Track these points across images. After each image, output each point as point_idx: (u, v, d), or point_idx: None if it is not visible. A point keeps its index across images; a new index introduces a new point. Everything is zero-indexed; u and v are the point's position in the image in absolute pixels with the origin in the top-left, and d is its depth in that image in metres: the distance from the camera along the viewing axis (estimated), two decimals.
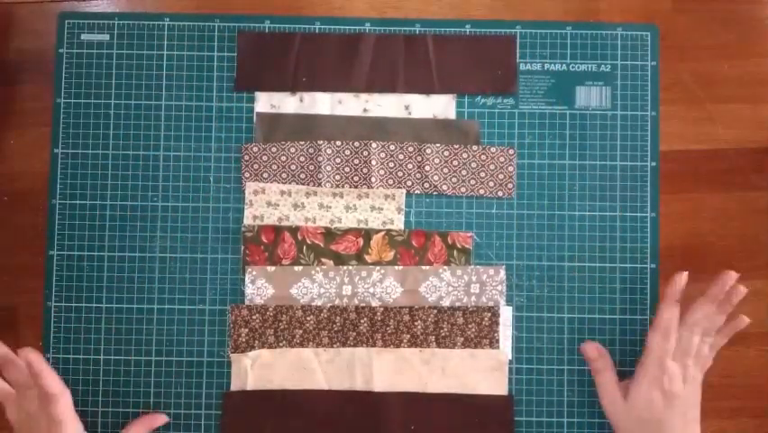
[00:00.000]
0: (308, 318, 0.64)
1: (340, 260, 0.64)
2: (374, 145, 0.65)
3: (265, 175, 0.65)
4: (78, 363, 0.64)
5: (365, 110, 0.65)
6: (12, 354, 0.58)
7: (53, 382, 0.56)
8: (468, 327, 0.64)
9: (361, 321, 0.64)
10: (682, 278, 0.60)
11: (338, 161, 0.65)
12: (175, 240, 0.64)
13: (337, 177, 0.65)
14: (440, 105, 0.66)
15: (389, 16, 0.66)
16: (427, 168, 0.65)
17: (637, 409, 0.58)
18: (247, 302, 0.64)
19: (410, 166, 0.65)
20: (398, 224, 0.65)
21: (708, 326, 0.60)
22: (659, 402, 0.58)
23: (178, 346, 0.64)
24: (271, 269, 0.64)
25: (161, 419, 0.62)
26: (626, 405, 0.59)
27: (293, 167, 0.65)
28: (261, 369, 0.63)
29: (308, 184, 0.65)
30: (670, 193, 0.65)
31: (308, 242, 0.64)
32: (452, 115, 0.66)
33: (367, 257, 0.64)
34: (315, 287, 0.64)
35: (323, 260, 0.64)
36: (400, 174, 0.65)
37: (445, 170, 0.65)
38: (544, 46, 0.66)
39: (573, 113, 0.65)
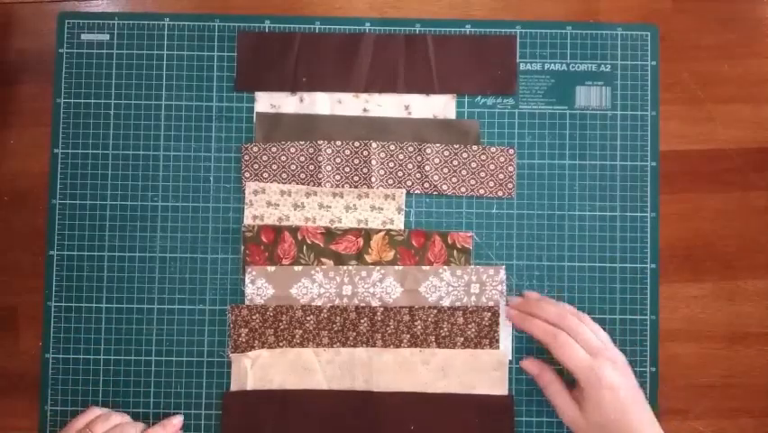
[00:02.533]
0: (308, 318, 0.64)
1: (340, 260, 0.64)
2: (374, 145, 0.65)
3: (265, 175, 0.65)
4: (78, 363, 0.64)
5: (365, 110, 0.65)
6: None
7: None
8: (468, 327, 0.64)
9: (361, 321, 0.64)
10: (512, 300, 0.62)
11: (338, 160, 0.65)
12: (175, 240, 0.64)
13: (337, 177, 0.65)
14: (440, 105, 0.66)
15: (389, 16, 0.66)
16: (427, 168, 0.65)
17: (593, 416, 0.56)
18: (247, 302, 0.64)
19: (410, 166, 0.65)
20: (398, 224, 0.65)
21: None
22: (610, 403, 0.56)
23: (178, 346, 0.64)
24: (271, 269, 0.64)
25: (178, 422, 0.62)
26: (583, 415, 0.57)
27: (293, 167, 0.65)
28: (261, 369, 0.63)
29: (308, 184, 0.65)
30: (670, 193, 0.65)
31: (308, 242, 0.64)
32: (452, 114, 0.66)
33: (367, 257, 0.64)
34: (315, 287, 0.64)
35: (323, 260, 0.64)
36: (400, 174, 0.65)
37: (445, 170, 0.65)
38: (543, 46, 0.66)
39: (573, 113, 0.65)
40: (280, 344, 0.63)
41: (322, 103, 0.65)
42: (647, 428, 0.56)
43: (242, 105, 0.65)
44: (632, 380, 0.58)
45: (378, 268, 0.64)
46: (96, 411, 0.60)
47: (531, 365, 0.61)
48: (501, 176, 0.65)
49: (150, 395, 0.63)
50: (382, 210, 0.65)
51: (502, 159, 0.65)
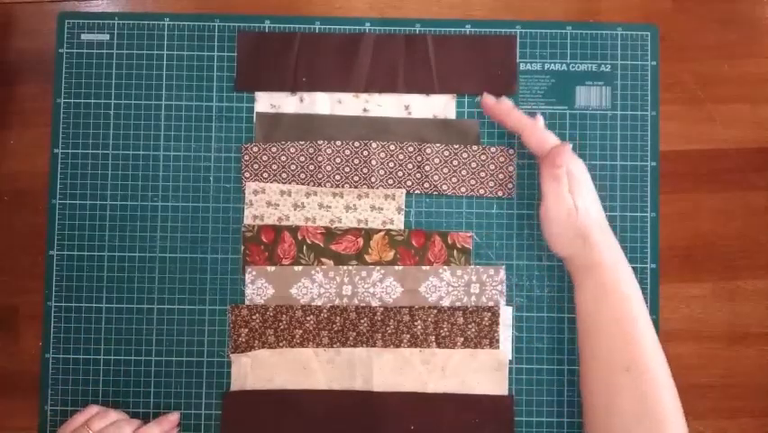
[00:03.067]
0: (308, 318, 0.64)
1: (340, 260, 0.64)
2: (374, 145, 0.65)
3: (265, 175, 0.65)
4: (78, 363, 0.64)
5: (365, 110, 0.65)
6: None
7: None
8: (468, 327, 0.64)
9: (361, 321, 0.64)
10: (488, 96, 0.62)
11: (338, 160, 0.65)
12: (175, 240, 0.64)
13: (337, 177, 0.65)
14: (440, 105, 0.66)
15: (389, 16, 0.66)
16: (427, 168, 0.65)
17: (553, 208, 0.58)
18: (247, 302, 0.64)
19: (410, 166, 0.65)
20: (398, 224, 0.65)
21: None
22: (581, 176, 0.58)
23: (178, 346, 0.64)
24: (271, 269, 0.64)
25: (175, 419, 0.62)
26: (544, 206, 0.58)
27: (293, 167, 0.65)
28: (261, 369, 0.63)
29: (308, 184, 0.65)
30: (670, 193, 0.65)
31: (308, 242, 0.64)
32: (452, 114, 0.66)
33: (367, 257, 0.64)
34: (315, 287, 0.64)
35: (323, 260, 0.64)
36: (400, 174, 0.65)
37: (445, 170, 0.65)
38: (543, 46, 0.66)
39: (573, 113, 0.65)
40: (280, 344, 0.63)
41: (322, 103, 0.65)
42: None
43: (242, 105, 0.65)
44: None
45: (378, 268, 0.64)
46: (94, 409, 0.60)
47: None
48: (501, 176, 0.65)
49: (149, 395, 0.63)
50: (382, 210, 0.65)
51: (502, 159, 0.65)
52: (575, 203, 0.57)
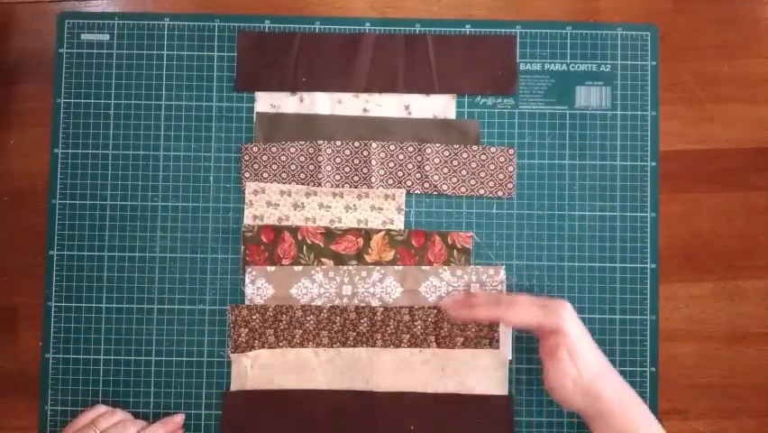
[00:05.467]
0: (308, 318, 0.64)
1: (340, 260, 0.64)
2: (374, 145, 0.65)
3: (265, 175, 0.65)
4: (78, 363, 0.64)
5: (365, 110, 0.65)
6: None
7: None
8: (468, 327, 0.64)
9: (361, 321, 0.64)
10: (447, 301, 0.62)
11: (338, 161, 0.65)
12: (175, 240, 0.64)
13: (337, 177, 0.65)
14: (440, 105, 0.66)
15: (389, 16, 0.66)
16: (427, 168, 0.65)
17: (560, 378, 0.57)
18: (247, 302, 0.64)
19: (410, 166, 0.65)
20: (398, 224, 0.65)
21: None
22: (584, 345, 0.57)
23: (178, 346, 0.64)
24: (271, 269, 0.64)
25: (180, 420, 0.62)
26: (553, 380, 0.58)
27: (293, 167, 0.65)
28: (261, 369, 0.63)
29: (308, 184, 0.65)
30: (670, 193, 0.65)
31: (308, 242, 0.64)
32: (452, 114, 0.66)
33: (367, 257, 0.64)
34: (315, 287, 0.64)
35: (323, 260, 0.64)
36: (400, 174, 0.65)
37: (445, 170, 0.65)
38: (543, 46, 0.66)
39: (573, 113, 0.65)
40: (280, 344, 0.63)
41: (322, 103, 0.65)
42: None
43: (242, 105, 0.65)
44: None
45: (378, 268, 0.64)
46: (101, 408, 0.60)
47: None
48: (501, 176, 0.65)
49: (150, 395, 0.63)
50: (382, 210, 0.65)
51: (502, 159, 0.65)
52: (578, 369, 0.56)
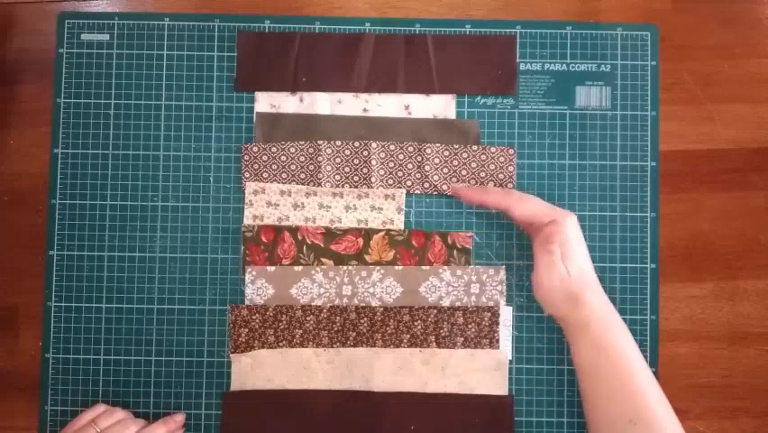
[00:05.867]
0: (308, 318, 0.64)
1: (340, 260, 0.64)
2: (374, 145, 0.65)
3: (265, 175, 0.65)
4: (78, 363, 0.64)
5: (365, 110, 0.65)
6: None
7: None
8: (468, 327, 0.64)
9: (361, 321, 0.64)
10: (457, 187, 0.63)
11: (338, 161, 0.65)
12: (175, 240, 0.64)
13: (337, 177, 0.65)
14: (440, 105, 0.66)
15: (389, 16, 0.66)
16: (427, 168, 0.65)
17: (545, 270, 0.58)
18: (247, 302, 0.64)
19: (410, 166, 0.65)
20: (398, 224, 0.65)
21: None
22: (578, 252, 0.58)
23: (178, 346, 0.64)
24: (271, 269, 0.64)
25: (181, 420, 0.62)
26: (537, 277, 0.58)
27: (293, 167, 0.65)
28: (261, 369, 0.63)
29: (308, 184, 0.65)
30: (670, 193, 0.65)
31: (308, 242, 0.64)
32: (452, 114, 0.66)
33: (367, 257, 0.64)
34: (315, 287, 0.64)
35: (323, 260, 0.64)
36: (400, 174, 0.65)
37: (445, 170, 0.65)
38: (543, 46, 0.66)
39: (573, 113, 0.65)
40: (280, 344, 0.63)
41: (322, 103, 0.65)
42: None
43: (242, 105, 0.65)
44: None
45: (378, 268, 0.64)
46: (101, 407, 0.60)
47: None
48: (501, 176, 0.65)
49: (150, 395, 0.63)
50: (382, 210, 0.65)
51: (502, 159, 0.65)
52: (567, 269, 0.57)
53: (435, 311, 0.64)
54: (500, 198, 0.60)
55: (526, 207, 0.59)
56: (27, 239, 0.65)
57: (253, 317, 0.63)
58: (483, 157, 0.65)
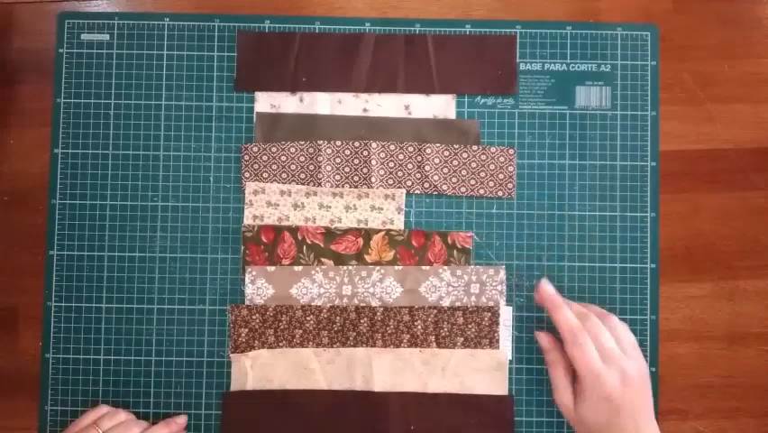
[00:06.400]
0: (308, 318, 0.64)
1: (340, 260, 0.64)
2: (374, 145, 0.65)
3: (265, 175, 0.65)
4: (78, 363, 0.64)
5: (365, 110, 0.65)
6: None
7: None
8: (468, 327, 0.64)
9: (361, 321, 0.64)
10: (548, 283, 0.60)
11: (338, 161, 0.65)
12: (175, 240, 0.64)
13: (337, 177, 0.65)
14: (440, 105, 0.66)
15: (389, 16, 0.66)
16: (427, 168, 0.65)
17: (587, 419, 0.56)
18: (247, 302, 0.64)
19: (410, 166, 0.65)
20: (398, 224, 0.65)
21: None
22: (605, 411, 0.55)
23: (178, 346, 0.64)
24: (271, 269, 0.64)
25: (183, 421, 0.62)
26: (577, 413, 0.57)
27: (293, 167, 0.65)
28: (261, 369, 0.63)
29: (308, 184, 0.65)
30: (670, 193, 0.65)
31: (308, 242, 0.64)
32: (452, 114, 0.66)
33: (367, 257, 0.64)
34: (315, 287, 0.64)
35: (323, 260, 0.64)
36: (400, 174, 0.65)
37: (445, 170, 0.65)
38: (543, 46, 0.66)
39: (573, 113, 0.65)
40: (280, 344, 0.63)
41: (322, 103, 0.65)
42: None
43: (242, 105, 0.65)
44: (639, 393, 0.56)
45: (378, 268, 0.64)
46: (103, 408, 0.60)
47: (543, 339, 0.60)
48: (501, 176, 0.65)
49: (150, 395, 0.63)
50: (382, 210, 0.65)
51: (502, 159, 0.65)
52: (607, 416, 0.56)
53: (435, 311, 0.64)
54: (566, 329, 0.57)
55: (577, 355, 0.56)
56: (27, 239, 0.65)
57: (253, 317, 0.63)
58: (483, 157, 0.65)
